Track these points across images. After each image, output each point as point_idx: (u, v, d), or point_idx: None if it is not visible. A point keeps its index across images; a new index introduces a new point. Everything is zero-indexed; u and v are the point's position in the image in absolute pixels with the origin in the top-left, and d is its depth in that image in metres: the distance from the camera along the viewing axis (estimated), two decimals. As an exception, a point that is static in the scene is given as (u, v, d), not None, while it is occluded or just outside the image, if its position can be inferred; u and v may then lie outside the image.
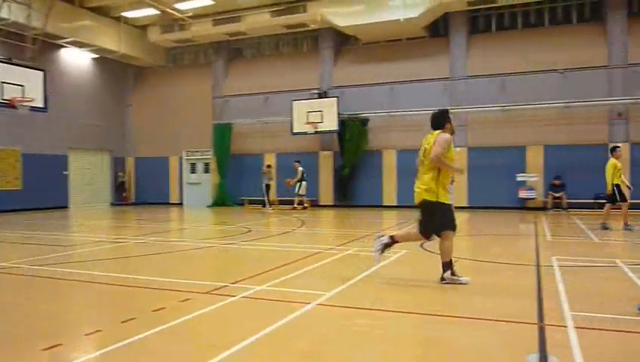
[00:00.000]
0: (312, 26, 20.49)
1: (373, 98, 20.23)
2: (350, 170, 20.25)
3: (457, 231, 6.26)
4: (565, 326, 4.25)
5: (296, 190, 19.55)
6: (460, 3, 17.95)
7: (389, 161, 20.14)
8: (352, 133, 19.94)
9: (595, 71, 17.63)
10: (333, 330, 4.29)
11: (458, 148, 19.10)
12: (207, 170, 23.78)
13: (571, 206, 17.41)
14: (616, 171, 11.61)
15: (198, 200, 23.61)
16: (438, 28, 20.23)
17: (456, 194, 18.12)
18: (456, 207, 14.56)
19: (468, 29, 19.69)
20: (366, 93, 20.47)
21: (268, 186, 19.86)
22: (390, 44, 20.83)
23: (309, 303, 5.05)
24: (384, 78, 20.25)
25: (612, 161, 11.71)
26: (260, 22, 20.40)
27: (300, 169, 19.56)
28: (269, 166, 20.51)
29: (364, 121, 20.08)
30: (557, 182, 17.51)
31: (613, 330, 4.27)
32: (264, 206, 19.90)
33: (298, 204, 19.71)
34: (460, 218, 14.77)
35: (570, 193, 17.40)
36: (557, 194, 17.51)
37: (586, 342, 3.88)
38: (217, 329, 4.40)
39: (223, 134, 22.42)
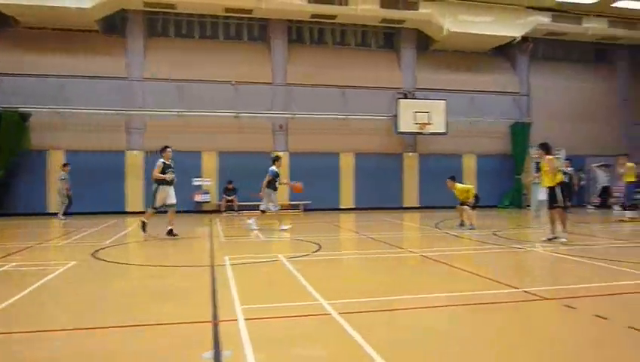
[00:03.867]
0: (-45, -3, 16.85)
1: (37, 91, 17.83)
2: (6, 173, 17.39)
3: None
4: (236, 320, 4.54)
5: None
6: (136, 1, 17.52)
7: (57, 162, 18.08)
8: (7, 130, 17.19)
9: (261, 86, 19.72)
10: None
11: (135, 152, 18.69)
12: None
13: (242, 208, 18.94)
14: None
15: None
16: (114, 24, 19.25)
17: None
18: (130, 213, 13.93)
19: (146, 31, 19.37)
20: (29, 84, 17.90)
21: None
22: (59, 33, 18.64)
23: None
24: (52, 69, 18.12)
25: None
26: None
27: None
28: (65, 165, 16.53)
29: (25, 116, 17.59)
30: (229, 186, 18.83)
31: (280, 317, 4.79)
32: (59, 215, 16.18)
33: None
34: (135, 223, 14.43)
35: (240, 196, 18.93)
36: (229, 198, 18.82)
37: (256, 331, 4.22)
38: None
39: None
